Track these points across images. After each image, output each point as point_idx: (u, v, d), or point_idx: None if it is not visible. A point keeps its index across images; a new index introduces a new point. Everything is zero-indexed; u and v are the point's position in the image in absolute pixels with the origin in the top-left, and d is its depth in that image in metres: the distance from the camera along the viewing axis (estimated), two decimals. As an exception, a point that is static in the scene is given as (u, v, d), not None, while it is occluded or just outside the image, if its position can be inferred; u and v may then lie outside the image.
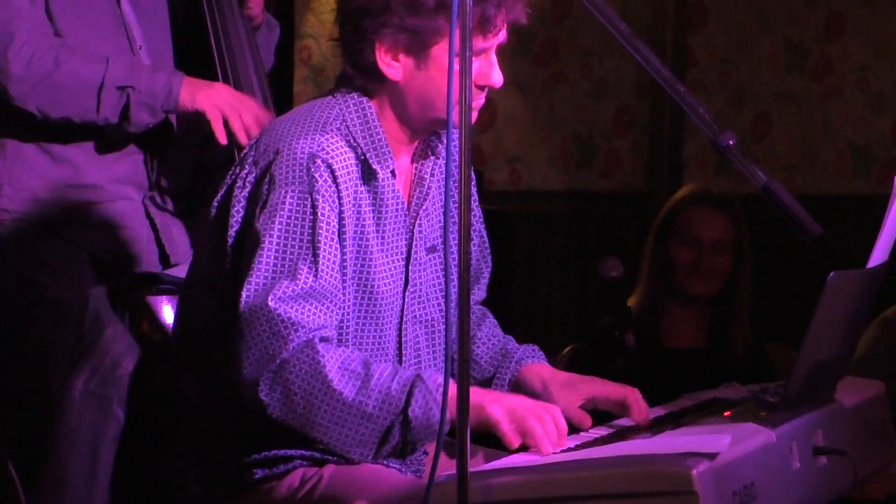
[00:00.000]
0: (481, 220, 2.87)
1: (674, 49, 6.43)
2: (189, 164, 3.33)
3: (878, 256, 2.66)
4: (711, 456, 2.19)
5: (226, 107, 3.20)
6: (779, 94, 6.59)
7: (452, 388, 2.29)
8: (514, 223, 5.89)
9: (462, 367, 2.19)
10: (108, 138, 3.28)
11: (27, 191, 3.28)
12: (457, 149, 2.19)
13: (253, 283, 2.48)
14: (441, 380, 2.45)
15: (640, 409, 2.71)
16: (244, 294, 2.48)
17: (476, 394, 2.47)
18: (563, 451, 2.45)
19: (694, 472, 2.15)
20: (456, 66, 2.20)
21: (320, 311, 2.49)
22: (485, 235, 2.87)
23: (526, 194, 6.09)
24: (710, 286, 3.94)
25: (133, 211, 3.32)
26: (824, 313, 2.50)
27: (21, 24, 3.19)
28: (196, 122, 3.23)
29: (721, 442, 2.25)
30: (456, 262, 2.55)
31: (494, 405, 2.48)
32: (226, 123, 3.20)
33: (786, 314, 5.94)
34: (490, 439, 2.62)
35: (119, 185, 3.31)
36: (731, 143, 2.14)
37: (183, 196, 3.38)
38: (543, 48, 6.11)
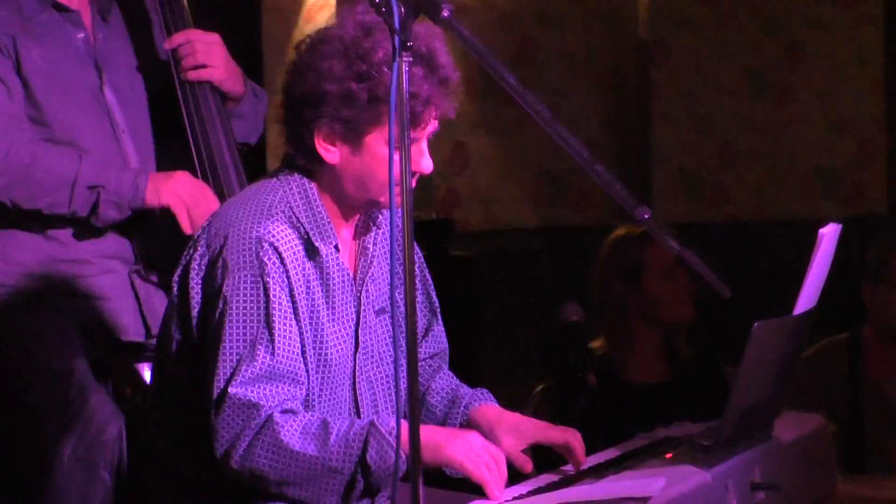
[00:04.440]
0: (426, 276, 3.03)
1: (638, 83, 6.57)
2: (173, 236, 3.49)
3: (804, 303, 2.82)
4: (644, 500, 2.37)
5: (187, 197, 3.39)
6: (743, 123, 6.72)
7: (406, 430, 2.47)
8: (490, 261, 6.04)
9: (412, 408, 2.36)
10: None
11: (19, 265, 3.44)
12: (399, 225, 2.39)
13: (220, 370, 2.68)
14: (394, 423, 2.63)
15: (578, 455, 2.84)
16: (214, 382, 2.68)
17: (429, 433, 2.67)
18: (514, 499, 2.62)
19: (629, 516, 2.33)
20: (388, 154, 2.57)
21: (280, 388, 2.69)
22: (430, 290, 3.05)
23: (501, 233, 6.24)
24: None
25: (119, 283, 3.47)
26: (751, 361, 2.66)
27: None
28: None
29: (654, 486, 2.42)
30: (401, 320, 2.74)
31: (452, 447, 2.66)
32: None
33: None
34: (442, 480, 2.81)
35: (105, 259, 3.46)
36: (646, 216, 2.34)
37: (167, 267, 3.54)
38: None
